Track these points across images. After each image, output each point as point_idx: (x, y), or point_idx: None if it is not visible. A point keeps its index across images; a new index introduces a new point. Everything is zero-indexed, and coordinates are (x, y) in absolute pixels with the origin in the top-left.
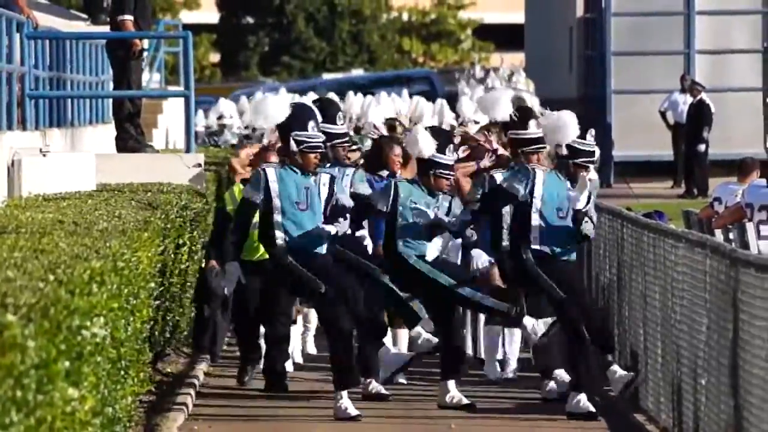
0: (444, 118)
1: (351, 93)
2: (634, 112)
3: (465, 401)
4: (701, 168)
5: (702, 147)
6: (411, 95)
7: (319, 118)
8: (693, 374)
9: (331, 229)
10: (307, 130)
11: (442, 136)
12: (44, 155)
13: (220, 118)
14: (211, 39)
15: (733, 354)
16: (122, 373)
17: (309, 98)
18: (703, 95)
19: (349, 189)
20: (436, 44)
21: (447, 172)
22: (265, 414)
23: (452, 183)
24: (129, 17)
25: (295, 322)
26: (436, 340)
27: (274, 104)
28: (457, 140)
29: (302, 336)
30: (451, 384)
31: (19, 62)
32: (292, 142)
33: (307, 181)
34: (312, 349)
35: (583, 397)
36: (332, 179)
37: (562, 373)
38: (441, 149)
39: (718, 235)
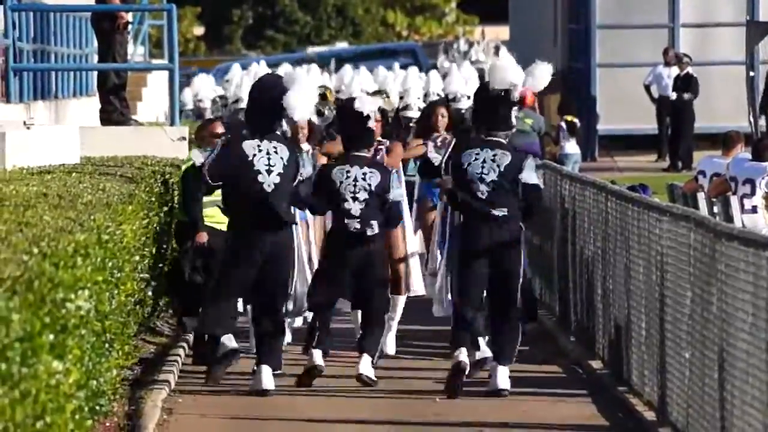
0: (432, 90)
1: (345, 66)
2: (619, 85)
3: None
4: (687, 141)
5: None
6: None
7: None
8: (677, 348)
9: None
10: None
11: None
12: (28, 128)
13: (196, 95)
14: (195, 12)
15: (719, 328)
16: (107, 346)
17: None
18: (689, 68)
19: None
20: (420, 17)
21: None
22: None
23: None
24: None
25: None
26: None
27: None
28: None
29: None
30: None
31: (3, 35)
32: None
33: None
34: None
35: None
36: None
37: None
38: None
39: (703, 208)
